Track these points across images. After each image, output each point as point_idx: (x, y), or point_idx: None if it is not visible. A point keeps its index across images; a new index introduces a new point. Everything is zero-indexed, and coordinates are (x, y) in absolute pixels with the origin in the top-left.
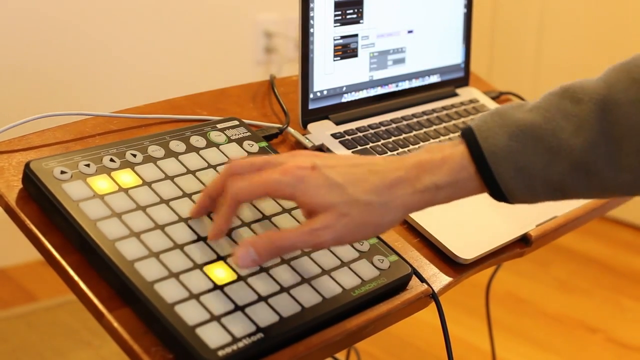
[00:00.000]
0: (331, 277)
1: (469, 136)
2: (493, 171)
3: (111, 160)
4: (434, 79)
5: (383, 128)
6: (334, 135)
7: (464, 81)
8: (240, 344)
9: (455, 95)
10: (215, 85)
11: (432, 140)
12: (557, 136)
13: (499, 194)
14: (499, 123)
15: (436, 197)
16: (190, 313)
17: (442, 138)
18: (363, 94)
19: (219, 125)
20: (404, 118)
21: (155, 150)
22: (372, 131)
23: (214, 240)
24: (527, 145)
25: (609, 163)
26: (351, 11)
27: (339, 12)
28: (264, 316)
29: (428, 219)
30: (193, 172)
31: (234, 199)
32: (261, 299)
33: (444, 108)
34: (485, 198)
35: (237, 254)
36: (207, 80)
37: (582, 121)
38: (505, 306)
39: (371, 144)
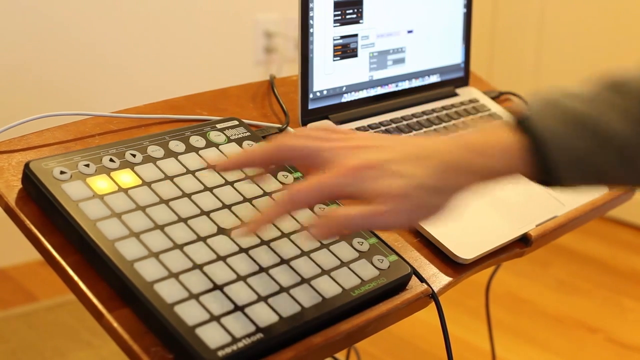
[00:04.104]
0: (331, 277)
1: (524, 125)
2: (550, 161)
3: (111, 160)
4: (434, 78)
5: (383, 128)
6: None
7: (463, 81)
8: (240, 344)
9: (455, 95)
10: (215, 85)
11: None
12: (607, 125)
13: (546, 180)
14: (554, 113)
15: (487, 180)
16: (190, 313)
17: None
18: (363, 94)
19: (218, 125)
20: (403, 118)
21: (154, 151)
22: (372, 131)
23: (248, 233)
24: (582, 137)
25: None
26: (351, 11)
27: (339, 12)
28: (264, 316)
29: None
30: (193, 172)
31: (292, 202)
32: (261, 299)
33: (443, 108)
34: (484, 198)
35: (313, 231)
36: (207, 80)
37: (628, 112)
38: (505, 306)
39: None
